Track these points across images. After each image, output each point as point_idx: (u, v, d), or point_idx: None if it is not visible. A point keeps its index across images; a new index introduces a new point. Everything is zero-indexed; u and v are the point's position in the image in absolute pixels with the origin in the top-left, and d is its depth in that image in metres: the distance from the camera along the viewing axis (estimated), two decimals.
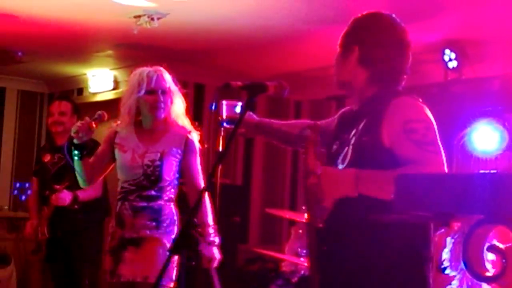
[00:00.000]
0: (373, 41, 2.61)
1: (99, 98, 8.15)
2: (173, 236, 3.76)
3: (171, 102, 3.85)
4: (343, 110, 2.82)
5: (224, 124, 2.94)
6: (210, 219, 3.80)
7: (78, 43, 6.93)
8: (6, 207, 8.75)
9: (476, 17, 5.30)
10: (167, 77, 3.86)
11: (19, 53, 7.32)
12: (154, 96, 3.80)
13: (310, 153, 2.47)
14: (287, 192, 8.15)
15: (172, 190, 3.85)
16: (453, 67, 5.71)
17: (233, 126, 2.72)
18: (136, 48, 6.66)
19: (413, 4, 5.06)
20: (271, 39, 6.26)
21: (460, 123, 5.21)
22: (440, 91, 5.83)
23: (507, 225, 1.60)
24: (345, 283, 2.50)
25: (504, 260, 1.68)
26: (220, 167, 3.26)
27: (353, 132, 2.57)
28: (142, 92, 3.79)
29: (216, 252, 3.78)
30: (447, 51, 5.72)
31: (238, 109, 2.86)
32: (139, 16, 5.70)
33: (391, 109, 2.49)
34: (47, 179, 5.37)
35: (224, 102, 2.93)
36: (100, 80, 8.18)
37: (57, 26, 6.25)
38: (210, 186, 2.93)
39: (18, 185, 5.60)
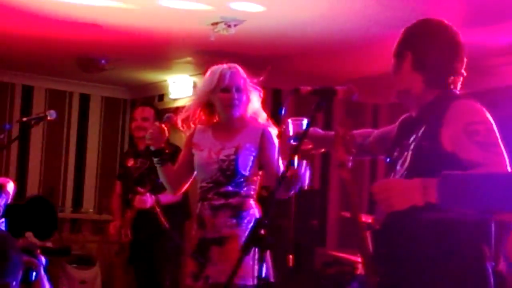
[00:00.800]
0: (424, 46, 2.64)
1: (179, 103, 8.32)
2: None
3: (247, 99, 3.76)
4: (402, 117, 2.84)
5: (291, 141, 2.96)
6: None
7: (159, 50, 7.10)
8: (91, 210, 9.03)
9: None
10: (242, 74, 3.76)
11: (103, 61, 7.51)
12: (228, 93, 3.71)
13: (339, 146, 2.51)
14: (365, 196, 8.12)
15: (252, 186, 3.74)
16: None
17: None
18: (214, 54, 6.77)
19: (489, 6, 5.00)
20: (347, 43, 6.27)
21: None
22: None
23: None
24: (406, 284, 2.51)
25: None
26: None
27: (412, 138, 2.59)
28: (216, 89, 3.72)
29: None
30: None
31: (304, 125, 2.88)
32: (216, 23, 5.80)
33: (451, 112, 2.51)
34: (130, 183, 5.53)
35: (290, 120, 2.94)
36: (180, 86, 8.35)
37: (138, 34, 6.42)
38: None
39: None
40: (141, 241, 5.42)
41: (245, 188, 3.72)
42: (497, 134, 2.48)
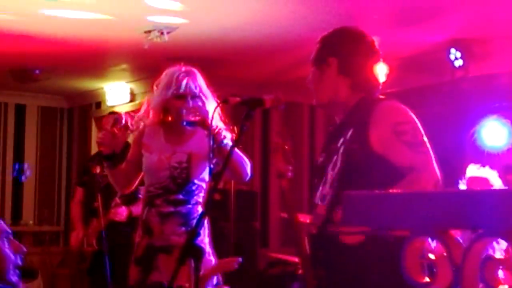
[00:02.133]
0: (349, 51, 2.71)
1: (117, 110, 8.27)
2: (205, 240, 3.56)
3: (202, 106, 3.59)
4: (330, 126, 2.89)
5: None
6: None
7: (93, 58, 7.05)
8: (31, 222, 8.90)
9: (480, 16, 5.34)
10: (199, 80, 3.64)
11: (37, 71, 7.43)
12: (182, 101, 3.57)
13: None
14: (305, 197, 8.19)
15: (201, 194, 3.64)
16: (459, 66, 5.74)
17: None
18: (150, 61, 6.77)
19: (416, 5, 5.12)
20: (280, 46, 6.32)
21: (470, 120, 5.28)
22: (449, 89, 5.88)
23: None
24: None
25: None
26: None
27: (341, 141, 2.62)
28: (170, 95, 3.58)
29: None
30: (453, 50, 5.75)
31: None
32: (149, 31, 5.80)
33: (377, 114, 2.57)
34: (96, 191, 5.41)
35: None
36: (117, 93, 8.31)
37: (71, 43, 6.36)
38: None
39: (17, 166, 5.47)
40: (106, 252, 5.28)
41: (195, 196, 3.62)
42: (422, 132, 2.56)
